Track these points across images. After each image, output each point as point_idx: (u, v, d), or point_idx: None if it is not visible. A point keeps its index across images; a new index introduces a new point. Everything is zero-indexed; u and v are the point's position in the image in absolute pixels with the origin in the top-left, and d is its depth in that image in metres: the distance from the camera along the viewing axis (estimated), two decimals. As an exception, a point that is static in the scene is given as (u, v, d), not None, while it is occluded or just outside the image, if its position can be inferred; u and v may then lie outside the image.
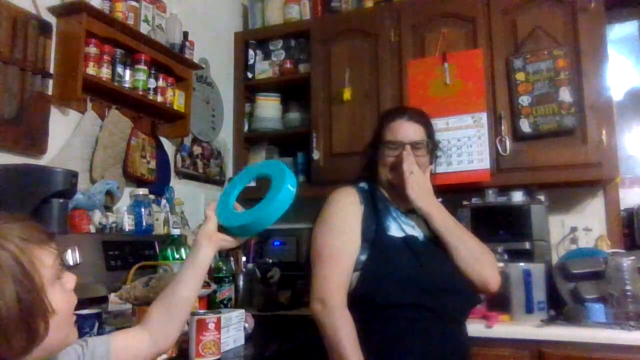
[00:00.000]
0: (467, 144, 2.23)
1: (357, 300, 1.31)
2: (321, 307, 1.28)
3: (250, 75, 2.80)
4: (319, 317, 1.29)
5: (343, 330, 1.25)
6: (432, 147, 1.51)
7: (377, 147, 1.51)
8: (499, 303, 1.82)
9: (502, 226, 2.13)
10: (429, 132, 1.52)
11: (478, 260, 1.37)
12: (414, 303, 1.28)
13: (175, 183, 2.33)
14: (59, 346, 0.73)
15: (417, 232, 1.42)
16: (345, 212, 1.41)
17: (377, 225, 1.39)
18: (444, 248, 1.38)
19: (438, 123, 2.25)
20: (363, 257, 1.35)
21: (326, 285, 1.31)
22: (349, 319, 1.27)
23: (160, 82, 2.13)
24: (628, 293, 1.73)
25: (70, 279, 0.75)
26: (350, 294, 1.32)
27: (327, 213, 1.43)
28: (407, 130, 1.46)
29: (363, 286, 1.32)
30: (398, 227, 1.41)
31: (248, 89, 2.84)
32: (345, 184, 1.51)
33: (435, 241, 1.40)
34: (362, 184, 1.51)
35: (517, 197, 2.18)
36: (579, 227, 2.34)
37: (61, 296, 0.71)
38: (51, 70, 1.72)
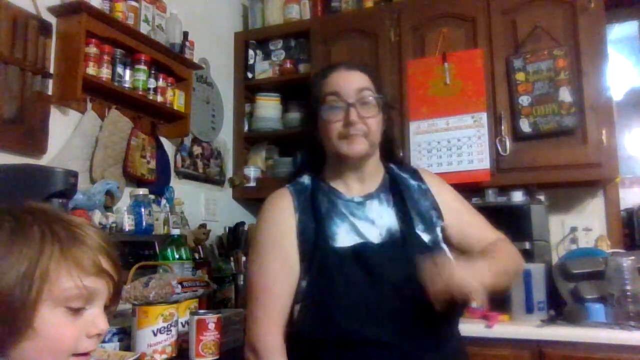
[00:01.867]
0: (467, 144, 2.23)
1: (300, 339, 1.05)
2: (252, 356, 1.05)
3: (250, 75, 2.80)
4: None
5: None
6: (383, 103, 1.14)
7: (314, 116, 1.15)
8: (499, 303, 1.82)
9: (502, 226, 2.11)
10: (378, 84, 1.16)
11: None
12: (368, 337, 0.99)
13: (175, 183, 2.33)
14: None
15: (376, 230, 1.11)
16: (276, 227, 1.11)
17: (317, 235, 1.08)
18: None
19: (438, 123, 2.27)
20: (304, 283, 1.06)
21: (257, 329, 1.06)
22: None
23: (160, 82, 2.13)
24: (628, 293, 1.73)
25: (98, 322, 0.67)
26: (291, 332, 1.06)
27: (257, 230, 1.15)
28: (348, 79, 1.11)
29: (304, 321, 1.04)
30: (350, 229, 1.10)
31: (248, 89, 2.83)
32: (282, 182, 1.22)
33: (405, 235, 1.09)
34: (304, 179, 1.19)
35: (517, 197, 2.18)
36: (579, 227, 2.34)
37: (58, 324, 0.64)
38: (51, 70, 1.72)
